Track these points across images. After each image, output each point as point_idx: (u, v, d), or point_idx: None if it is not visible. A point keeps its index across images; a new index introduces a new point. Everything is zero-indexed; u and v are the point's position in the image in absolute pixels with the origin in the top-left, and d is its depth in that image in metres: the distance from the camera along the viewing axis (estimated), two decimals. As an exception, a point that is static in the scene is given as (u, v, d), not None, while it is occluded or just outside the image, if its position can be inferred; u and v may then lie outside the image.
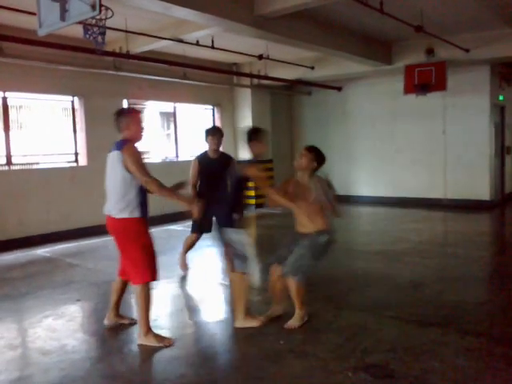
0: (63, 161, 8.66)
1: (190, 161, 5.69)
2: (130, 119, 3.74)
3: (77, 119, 8.72)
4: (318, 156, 4.01)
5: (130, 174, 3.60)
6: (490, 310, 4.40)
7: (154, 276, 3.76)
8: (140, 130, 3.78)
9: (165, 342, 3.71)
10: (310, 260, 3.95)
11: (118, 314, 4.14)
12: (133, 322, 4.11)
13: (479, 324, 3.97)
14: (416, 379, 3.04)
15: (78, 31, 5.70)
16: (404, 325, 4.00)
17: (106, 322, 4.13)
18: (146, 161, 3.72)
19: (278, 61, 10.03)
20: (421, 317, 4.15)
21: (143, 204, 3.71)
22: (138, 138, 3.79)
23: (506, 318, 4.16)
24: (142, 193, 3.69)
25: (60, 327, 4.11)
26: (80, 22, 4.33)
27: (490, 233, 8.71)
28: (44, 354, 3.58)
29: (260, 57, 9.52)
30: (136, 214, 3.65)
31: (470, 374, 3.09)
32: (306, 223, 3.98)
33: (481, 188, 10.56)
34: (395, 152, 11.63)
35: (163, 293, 5.11)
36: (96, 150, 8.46)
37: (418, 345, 3.55)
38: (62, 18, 4.02)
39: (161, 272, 5.56)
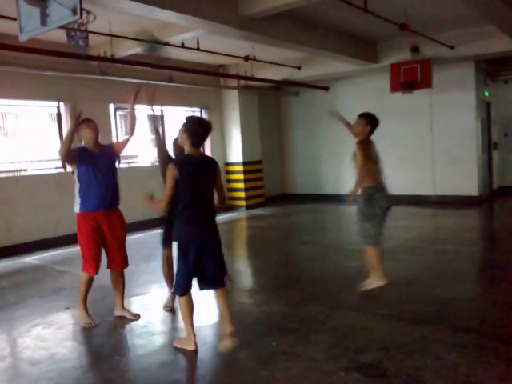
0: (51, 167, 8.57)
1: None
2: (79, 129, 4.22)
3: (63, 125, 8.63)
4: (370, 120, 4.59)
5: (73, 172, 4.19)
6: (481, 305, 4.42)
7: (88, 270, 4.23)
8: (87, 133, 4.21)
9: (87, 322, 4.22)
10: (366, 224, 4.45)
11: (123, 307, 4.47)
12: (135, 319, 4.36)
13: (471, 320, 3.99)
14: (409, 377, 3.03)
15: (61, 36, 5.64)
16: (396, 323, 4.00)
17: (115, 313, 4.50)
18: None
19: (265, 62, 10.02)
20: (413, 314, 4.16)
21: (85, 199, 4.13)
22: (89, 140, 4.24)
23: (496, 313, 4.18)
24: (85, 188, 4.12)
25: (49, 336, 4.06)
26: (62, 27, 4.28)
27: (480, 228, 8.77)
28: (33, 364, 3.53)
29: (246, 58, 9.50)
30: (77, 210, 4.20)
31: (462, 370, 3.09)
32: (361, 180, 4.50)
33: (469, 184, 10.62)
34: (383, 150, 11.61)
35: (155, 297, 5.07)
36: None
37: (410, 342, 3.55)
38: (43, 23, 3.96)
39: (153, 277, 5.65)
